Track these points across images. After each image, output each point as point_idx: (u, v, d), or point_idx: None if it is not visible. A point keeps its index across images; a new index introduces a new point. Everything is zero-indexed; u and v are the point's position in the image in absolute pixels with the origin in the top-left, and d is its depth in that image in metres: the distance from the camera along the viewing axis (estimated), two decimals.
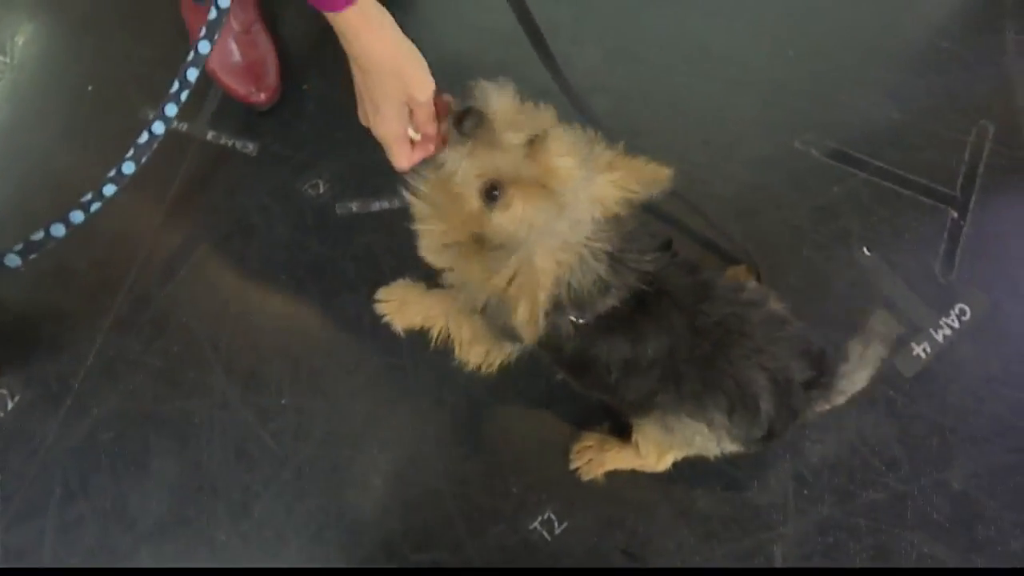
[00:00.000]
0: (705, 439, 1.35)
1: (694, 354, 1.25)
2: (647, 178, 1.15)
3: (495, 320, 1.27)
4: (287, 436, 1.56)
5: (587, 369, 1.33)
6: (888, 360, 1.66)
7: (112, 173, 1.41)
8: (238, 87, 1.73)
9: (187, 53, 1.43)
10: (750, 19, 1.99)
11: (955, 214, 1.79)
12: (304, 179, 1.73)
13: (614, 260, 1.15)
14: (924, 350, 1.69)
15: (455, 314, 1.45)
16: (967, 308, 1.72)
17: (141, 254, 1.64)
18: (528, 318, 1.09)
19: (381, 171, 1.71)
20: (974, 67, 1.92)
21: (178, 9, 1.77)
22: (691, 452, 1.43)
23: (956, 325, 1.71)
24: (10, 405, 1.55)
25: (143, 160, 1.43)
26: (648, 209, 1.69)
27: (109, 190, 1.41)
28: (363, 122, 1.21)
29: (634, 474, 1.55)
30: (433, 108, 1.16)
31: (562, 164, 1.08)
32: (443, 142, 1.16)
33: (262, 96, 1.73)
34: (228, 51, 1.72)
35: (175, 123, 1.72)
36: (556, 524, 1.55)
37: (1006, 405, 1.66)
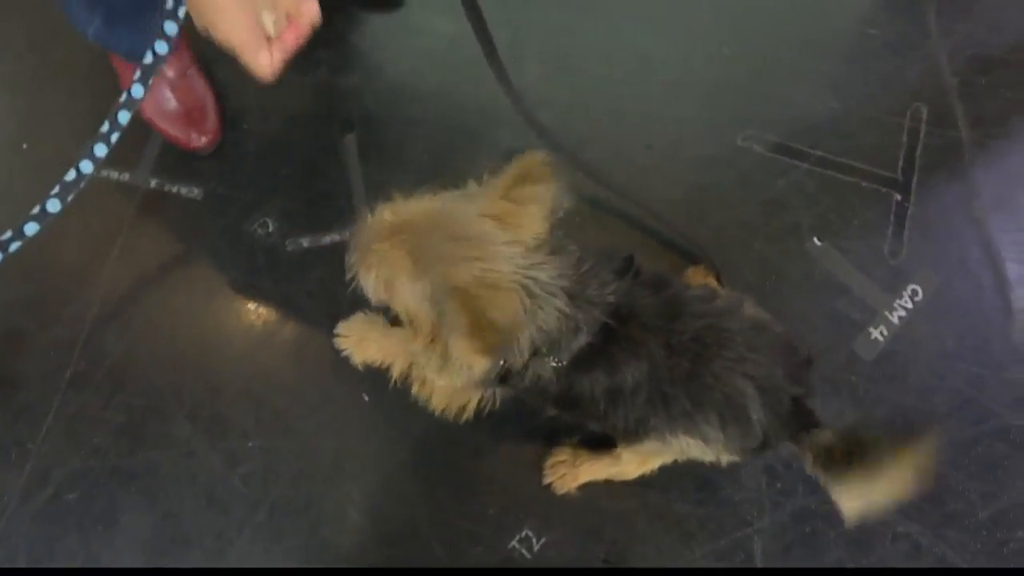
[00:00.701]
0: (702, 452, 1.35)
1: (675, 374, 1.23)
2: (531, 176, 1.10)
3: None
4: (257, 478, 1.55)
5: (575, 405, 1.32)
6: (848, 346, 1.71)
7: (36, 211, 1.37)
8: (178, 133, 1.72)
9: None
10: (683, 22, 2.02)
11: (899, 196, 1.83)
12: (252, 219, 1.72)
13: (573, 296, 1.14)
14: (881, 333, 1.72)
15: (419, 354, 1.44)
16: (919, 288, 1.76)
17: (92, 310, 1.62)
18: (470, 342, 1.02)
19: (330, 204, 1.74)
20: (902, 52, 1.97)
21: (109, 61, 1.76)
22: (683, 458, 1.43)
23: (909, 305, 1.74)
24: None
25: (68, 199, 1.39)
26: (602, 208, 1.73)
27: (31, 228, 1.37)
28: (200, 29, 1.00)
29: (608, 483, 1.56)
30: None
31: (414, 207, 1.09)
32: None
33: (203, 140, 1.72)
34: (164, 98, 1.71)
35: (117, 174, 1.73)
36: (535, 541, 1.55)
37: (964, 379, 1.69)
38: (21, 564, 1.46)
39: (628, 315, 1.22)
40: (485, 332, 1.02)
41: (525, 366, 1.23)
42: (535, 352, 1.18)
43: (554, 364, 1.23)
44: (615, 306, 1.20)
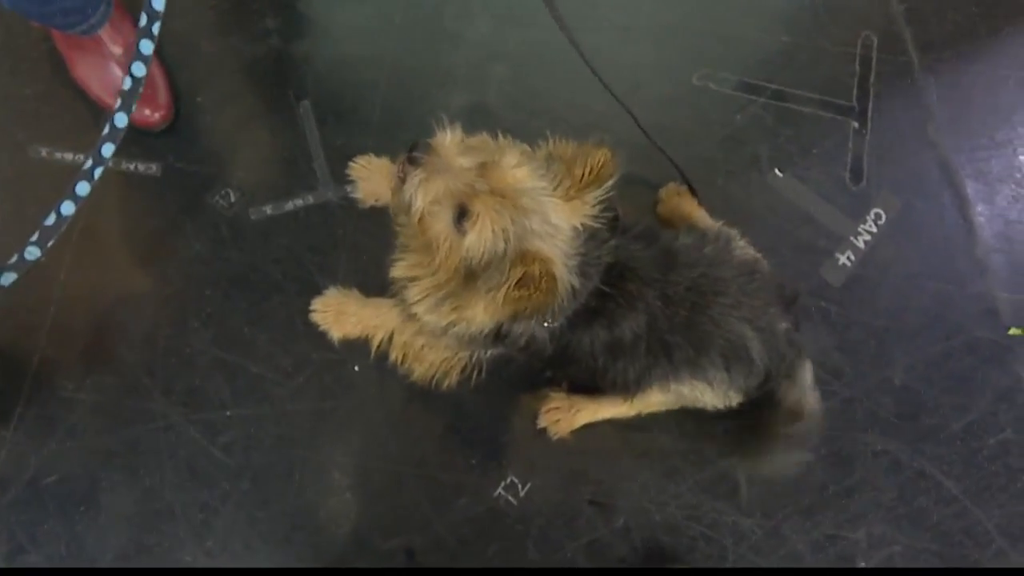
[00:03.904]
0: (709, 396, 1.41)
1: (674, 323, 1.29)
2: (595, 169, 1.16)
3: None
4: (238, 447, 1.54)
5: (572, 361, 1.36)
6: (817, 273, 1.73)
7: (13, 259, 1.34)
8: None
9: (104, 124, 1.36)
10: None
11: (856, 124, 1.84)
12: (213, 191, 1.70)
13: (583, 265, 1.19)
14: (848, 258, 1.74)
15: (402, 324, 1.46)
16: (881, 212, 1.78)
17: (56, 292, 1.60)
18: (545, 275, 1.09)
19: (290, 170, 1.73)
20: None
21: (52, 43, 1.72)
22: (685, 404, 1.47)
23: (874, 229, 1.76)
24: None
25: (48, 245, 1.36)
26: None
27: (7, 279, 1.34)
28: None
29: (589, 425, 1.57)
30: None
31: (515, 174, 1.12)
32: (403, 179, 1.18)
33: (156, 116, 1.69)
34: (113, 76, 1.68)
35: (72, 156, 1.70)
36: (520, 487, 1.56)
37: (931, 297, 1.72)
38: (4, 549, 1.45)
39: (624, 271, 1.26)
40: (531, 304, 1.10)
41: (523, 330, 1.27)
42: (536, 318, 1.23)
43: (548, 325, 1.27)
44: (611, 265, 1.24)
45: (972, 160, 1.82)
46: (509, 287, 1.11)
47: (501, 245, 1.11)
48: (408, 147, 1.17)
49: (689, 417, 1.56)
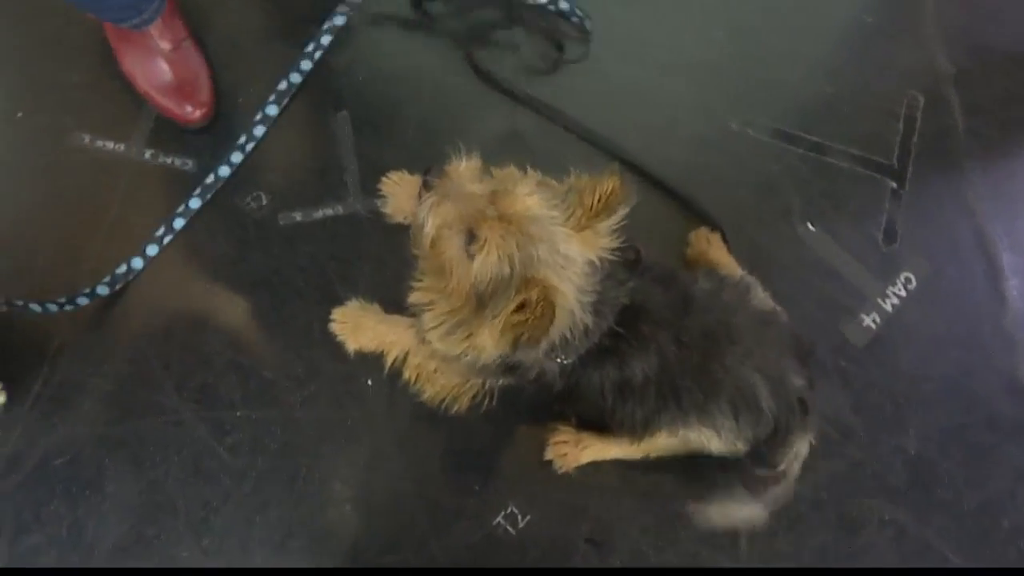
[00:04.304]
0: (716, 443, 1.40)
1: (686, 367, 1.29)
2: (605, 196, 1.16)
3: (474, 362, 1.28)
4: (244, 449, 1.55)
5: (582, 398, 1.37)
6: (838, 331, 1.71)
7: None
8: (172, 106, 1.71)
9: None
10: (675, 2, 2.01)
11: (894, 184, 1.82)
12: (245, 192, 1.72)
13: (597, 304, 1.19)
14: (873, 320, 1.72)
15: (417, 345, 1.47)
16: (911, 275, 1.75)
17: (82, 280, 1.62)
18: (542, 301, 1.09)
19: (322, 179, 1.74)
20: (898, 38, 1.96)
21: (104, 35, 1.76)
22: (691, 450, 1.46)
23: (902, 293, 1.74)
24: None
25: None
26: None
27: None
28: None
29: (595, 461, 1.56)
30: None
31: (525, 201, 1.13)
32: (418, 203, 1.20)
33: (197, 114, 1.72)
34: (159, 71, 1.71)
35: (112, 144, 1.74)
36: (520, 518, 1.55)
37: (954, 366, 1.69)
38: (7, 529, 1.47)
39: (639, 312, 1.27)
40: (527, 330, 1.10)
41: (532, 362, 1.28)
42: (546, 351, 1.23)
43: (560, 361, 1.28)
44: (627, 306, 1.24)
45: (1010, 232, 1.80)
46: (508, 313, 1.11)
47: (507, 270, 1.11)
48: (422, 173, 1.18)
49: (695, 463, 1.55)
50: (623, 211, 1.17)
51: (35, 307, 1.49)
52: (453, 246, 1.16)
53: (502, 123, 1.83)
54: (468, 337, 1.21)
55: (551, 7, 1.93)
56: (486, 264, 1.12)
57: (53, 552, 1.46)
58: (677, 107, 1.86)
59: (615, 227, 1.18)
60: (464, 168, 1.20)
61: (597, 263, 1.18)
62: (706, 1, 2.01)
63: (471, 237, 1.13)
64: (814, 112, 1.87)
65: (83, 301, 1.57)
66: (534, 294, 1.08)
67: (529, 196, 1.14)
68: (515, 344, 1.14)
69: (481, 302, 1.16)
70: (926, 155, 1.84)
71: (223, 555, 1.48)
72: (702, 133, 1.85)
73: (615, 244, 1.18)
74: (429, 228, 1.17)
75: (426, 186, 1.18)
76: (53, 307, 1.52)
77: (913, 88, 1.89)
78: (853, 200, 1.81)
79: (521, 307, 1.10)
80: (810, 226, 1.77)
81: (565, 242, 1.14)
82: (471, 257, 1.13)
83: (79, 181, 1.72)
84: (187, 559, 1.47)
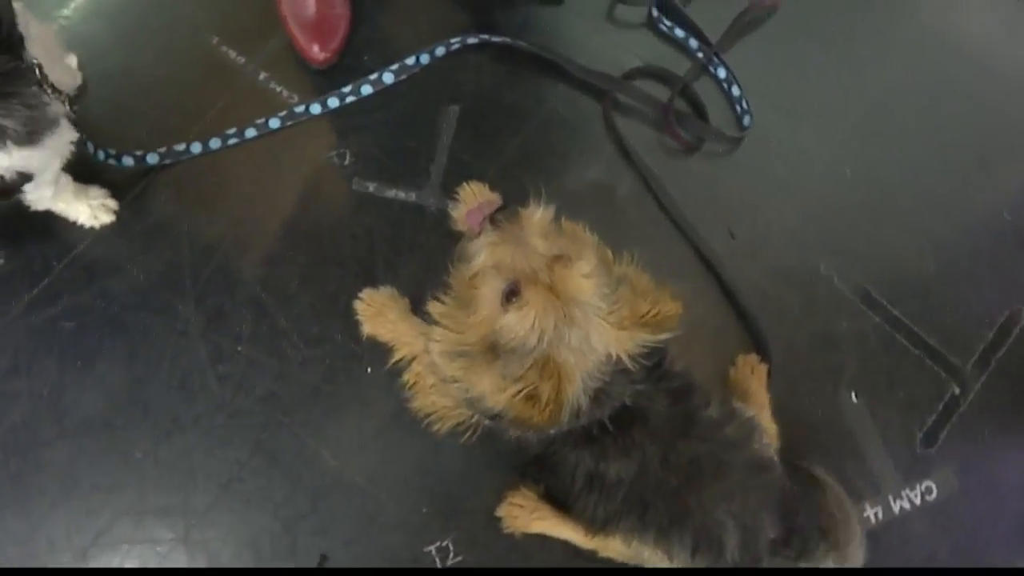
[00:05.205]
0: (662, 564, 1.36)
1: (661, 487, 1.26)
2: (659, 315, 1.15)
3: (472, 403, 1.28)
4: (231, 382, 1.58)
5: (552, 470, 1.35)
6: None
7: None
8: (302, 40, 1.75)
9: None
10: (819, 123, 1.94)
11: (957, 389, 1.72)
12: (332, 146, 1.74)
13: (600, 392, 1.16)
14: (876, 515, 1.64)
15: (424, 354, 1.47)
16: (934, 487, 1.66)
17: (155, 170, 1.68)
18: (552, 402, 1.09)
19: (409, 161, 1.75)
20: None
21: None
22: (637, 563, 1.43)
23: (917, 501, 1.65)
24: None
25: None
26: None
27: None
28: None
29: (544, 535, 1.54)
30: None
31: (580, 283, 1.11)
32: (478, 232, 1.19)
33: (321, 56, 1.75)
34: (305, 3, 1.75)
35: (235, 55, 1.78)
36: (451, 554, 1.55)
37: None
38: (3, 364, 1.54)
39: (636, 416, 1.23)
40: (527, 418, 1.10)
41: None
42: None
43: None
44: (627, 406, 1.21)
45: None
46: (516, 393, 1.10)
47: (533, 342, 1.10)
48: (495, 207, 1.17)
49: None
50: (667, 336, 1.14)
51: (90, 145, 1.55)
52: (492, 290, 1.14)
53: (601, 175, 1.80)
54: (467, 370, 1.20)
55: (725, 84, 1.89)
56: (517, 325, 1.10)
57: (27, 405, 1.53)
58: (776, 231, 1.80)
59: (651, 343, 1.15)
60: (537, 218, 1.18)
61: (614, 357, 1.15)
62: (850, 136, 1.93)
63: (513, 291, 1.12)
64: (907, 286, 1.78)
65: (128, 162, 1.64)
66: (547, 389, 1.08)
67: (586, 278, 1.11)
68: (512, 421, 1.15)
69: (494, 351, 1.15)
70: (1004, 376, 1.73)
71: (171, 472, 1.52)
72: (789, 264, 1.78)
73: (645, 349, 1.15)
74: (478, 264, 1.16)
75: (493, 222, 1.16)
76: (102, 155, 1.59)
77: (1021, 303, 1.77)
78: (909, 388, 1.71)
79: (530, 396, 1.09)
80: (854, 396, 1.69)
81: (598, 333, 1.12)
82: (505, 309, 1.12)
83: (195, 74, 1.77)
84: (139, 461, 1.52)
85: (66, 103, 1.28)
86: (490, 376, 1.15)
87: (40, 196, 1.46)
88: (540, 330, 1.09)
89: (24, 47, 1.18)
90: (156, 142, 1.68)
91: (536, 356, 1.10)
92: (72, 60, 1.69)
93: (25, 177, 1.32)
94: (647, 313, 1.13)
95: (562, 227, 1.26)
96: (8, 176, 1.27)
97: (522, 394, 1.10)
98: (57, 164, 1.38)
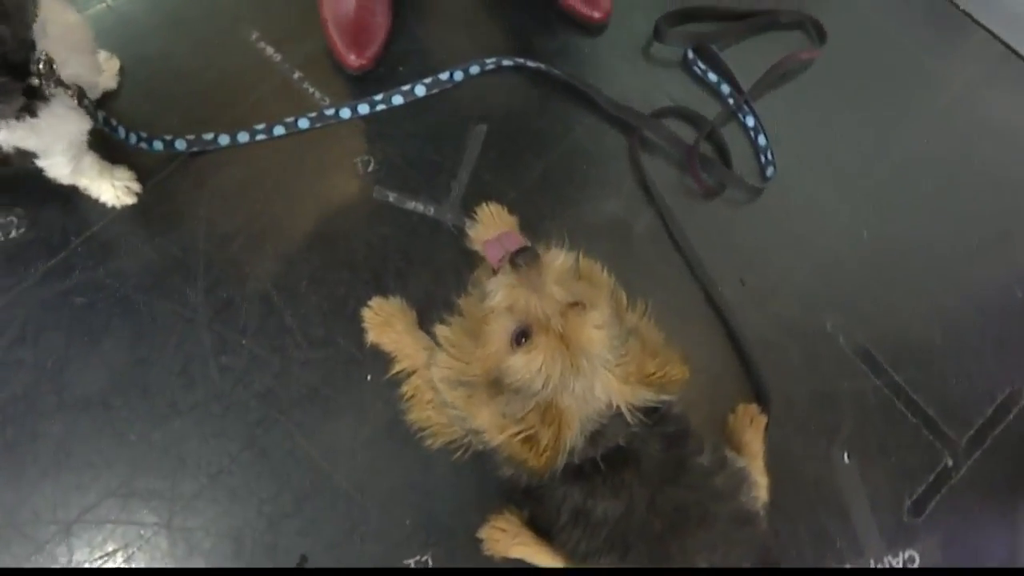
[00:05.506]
0: None
1: (646, 531, 1.26)
2: (664, 377, 1.16)
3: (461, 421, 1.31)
4: (232, 374, 1.60)
5: (538, 500, 1.36)
6: (820, 562, 1.63)
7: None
8: (339, 44, 1.77)
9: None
10: (841, 181, 1.95)
11: (950, 462, 1.72)
12: (358, 152, 1.76)
13: (596, 433, 1.18)
14: None
15: (424, 370, 1.49)
16: (917, 556, 1.65)
17: (183, 155, 1.70)
18: (550, 448, 1.11)
19: (431, 175, 1.77)
20: None
21: None
22: None
23: (898, 566, 1.64)
24: (12, 234, 1.63)
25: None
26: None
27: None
28: None
29: (525, 561, 1.54)
30: None
31: (591, 334, 1.12)
32: (497, 269, 1.21)
33: (356, 63, 1.77)
34: (345, 7, 1.77)
35: (272, 51, 1.80)
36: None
37: None
38: (8, 334, 1.56)
39: (628, 458, 1.24)
40: (522, 460, 1.12)
41: None
42: None
43: None
44: (621, 447, 1.22)
45: None
46: (515, 434, 1.12)
47: (538, 386, 1.11)
48: (517, 248, 1.17)
49: None
50: (670, 398, 1.17)
51: (121, 129, 1.56)
52: (503, 328, 1.15)
53: (619, 209, 1.81)
54: (467, 400, 1.22)
55: (752, 132, 1.91)
56: (524, 368, 1.11)
57: (30, 376, 1.55)
58: (787, 283, 1.81)
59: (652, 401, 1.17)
60: (557, 264, 1.19)
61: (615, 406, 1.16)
62: (871, 197, 1.94)
63: (524, 334, 1.13)
64: (911, 353, 1.78)
65: (158, 146, 1.66)
66: (545, 436, 1.09)
67: (597, 329, 1.12)
68: (505, 458, 1.17)
69: (497, 386, 1.16)
70: (999, 454, 1.72)
71: (163, 457, 1.53)
72: (795, 318, 1.78)
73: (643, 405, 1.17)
74: (493, 303, 1.17)
75: (513, 264, 1.16)
76: (134, 138, 1.60)
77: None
78: (902, 455, 1.71)
79: (528, 439, 1.11)
80: (846, 456, 1.69)
81: (602, 384, 1.14)
82: (513, 350, 1.13)
83: (230, 66, 1.80)
84: (133, 443, 1.53)
85: (75, 96, 1.29)
86: (490, 411, 1.17)
87: (57, 172, 1.49)
88: (546, 376, 1.10)
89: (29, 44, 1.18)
90: (186, 129, 1.71)
91: (539, 400, 1.12)
92: (102, 56, 1.70)
93: (25, 154, 1.35)
94: (653, 374, 1.15)
95: (579, 266, 1.27)
96: (6, 147, 1.31)
97: (521, 435, 1.12)
98: (62, 147, 1.41)
